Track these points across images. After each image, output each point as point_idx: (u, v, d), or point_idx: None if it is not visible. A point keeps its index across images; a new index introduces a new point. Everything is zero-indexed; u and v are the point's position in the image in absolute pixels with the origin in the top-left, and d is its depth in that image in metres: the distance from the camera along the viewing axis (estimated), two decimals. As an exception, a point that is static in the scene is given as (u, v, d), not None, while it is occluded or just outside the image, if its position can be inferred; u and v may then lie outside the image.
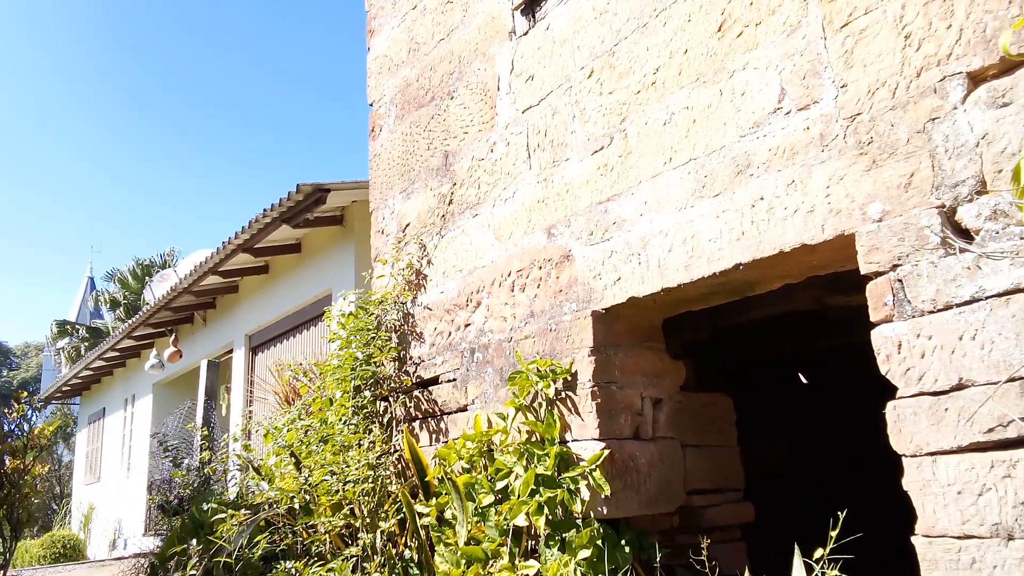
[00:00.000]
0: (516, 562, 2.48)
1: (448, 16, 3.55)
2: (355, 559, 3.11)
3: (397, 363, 3.53)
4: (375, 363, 3.49)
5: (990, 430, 1.54)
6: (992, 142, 1.61)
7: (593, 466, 2.39)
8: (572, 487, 2.44)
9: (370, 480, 3.16)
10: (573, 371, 2.57)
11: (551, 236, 2.80)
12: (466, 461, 2.82)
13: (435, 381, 3.33)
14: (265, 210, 6.36)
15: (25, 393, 6.50)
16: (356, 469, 3.16)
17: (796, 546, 1.89)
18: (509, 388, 2.69)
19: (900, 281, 1.74)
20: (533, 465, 2.51)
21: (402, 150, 3.79)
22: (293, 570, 3.20)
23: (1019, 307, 1.52)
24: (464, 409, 3.10)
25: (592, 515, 2.42)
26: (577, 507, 2.41)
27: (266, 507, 3.53)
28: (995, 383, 1.54)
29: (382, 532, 3.08)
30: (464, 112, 3.36)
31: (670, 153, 2.38)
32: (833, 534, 1.78)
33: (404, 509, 2.99)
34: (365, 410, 3.49)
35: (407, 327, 3.55)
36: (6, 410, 6.30)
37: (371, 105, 4.13)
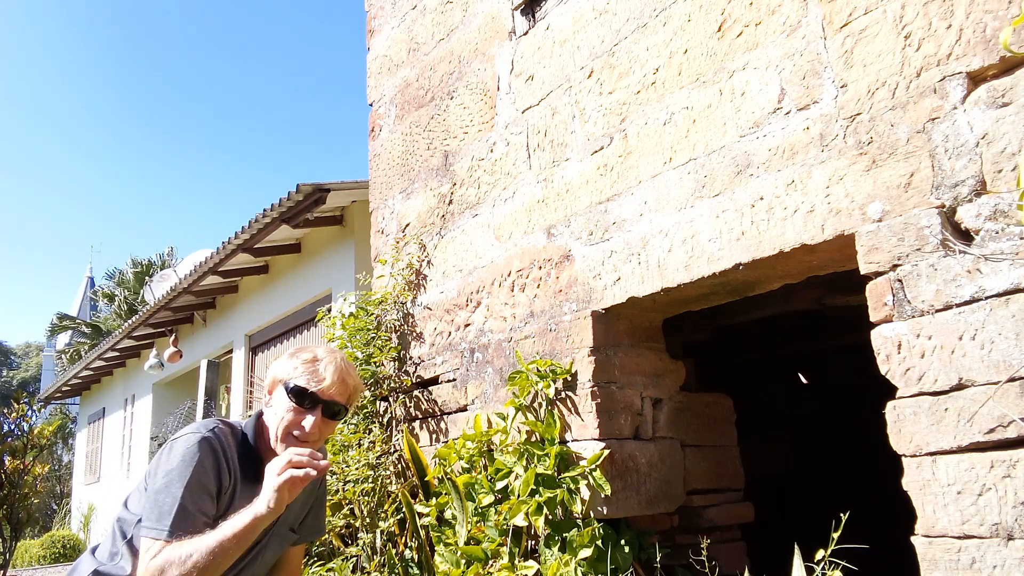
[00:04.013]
0: (516, 562, 2.48)
1: (448, 16, 3.55)
2: (355, 559, 3.11)
3: (397, 363, 3.53)
4: (375, 363, 3.49)
5: (990, 430, 1.54)
6: (992, 142, 1.61)
7: (593, 466, 2.39)
8: (572, 487, 2.44)
9: (370, 480, 3.16)
10: (573, 371, 2.57)
11: (551, 236, 2.80)
12: (466, 461, 2.82)
13: (435, 381, 3.33)
14: (265, 210, 6.36)
15: (25, 393, 6.50)
16: (356, 469, 3.17)
17: (796, 546, 1.89)
18: (509, 388, 2.69)
19: (900, 281, 1.74)
20: (533, 465, 2.51)
21: (402, 150, 3.79)
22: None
23: (1019, 307, 1.52)
24: (464, 409, 3.10)
25: (592, 515, 2.42)
26: (577, 507, 2.41)
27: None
28: (995, 383, 1.54)
29: (382, 532, 3.08)
30: (464, 112, 3.36)
31: (670, 153, 2.38)
32: (835, 535, 1.78)
33: (404, 509, 2.99)
34: (365, 410, 3.49)
35: (407, 327, 3.55)
36: (6, 410, 6.31)
37: (371, 105, 4.13)
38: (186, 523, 1.53)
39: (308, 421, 1.70)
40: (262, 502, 1.53)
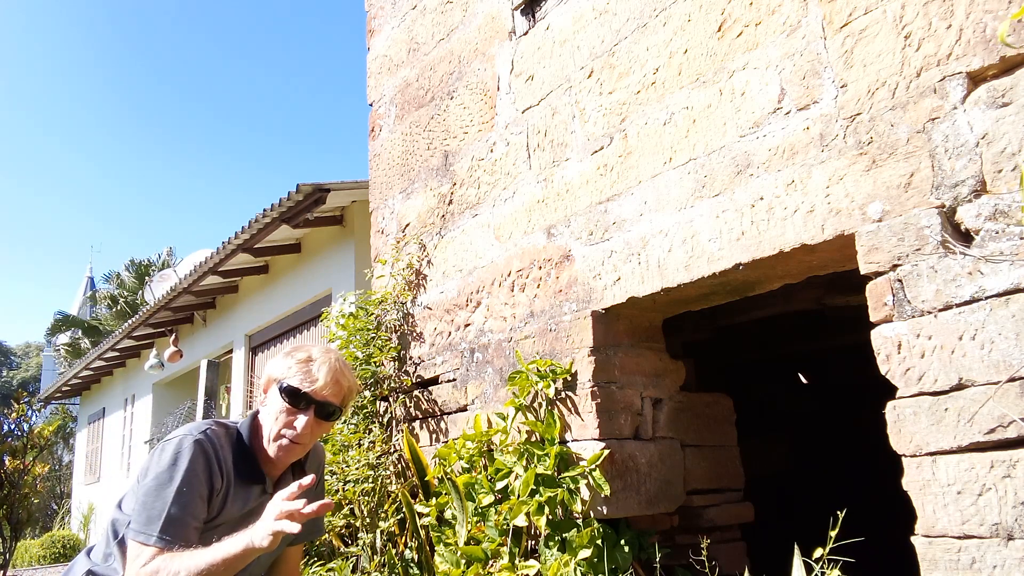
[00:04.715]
0: (516, 562, 2.48)
1: (448, 16, 3.55)
2: (355, 559, 3.11)
3: (397, 363, 3.53)
4: (375, 363, 3.49)
5: (990, 430, 1.54)
6: (992, 142, 1.61)
7: (593, 466, 2.39)
8: (572, 487, 2.44)
9: (370, 480, 3.16)
10: (573, 371, 2.57)
11: (551, 236, 2.80)
12: (466, 461, 2.82)
13: (435, 381, 3.33)
14: (265, 210, 6.36)
15: (25, 393, 6.50)
16: (356, 469, 3.17)
17: (796, 546, 1.89)
18: (509, 388, 2.69)
19: (900, 281, 1.74)
20: (533, 465, 2.51)
21: (402, 150, 3.79)
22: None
23: (1019, 307, 1.52)
24: (464, 409, 3.10)
25: (592, 515, 2.42)
26: (577, 507, 2.41)
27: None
28: (995, 383, 1.54)
29: (382, 532, 3.08)
30: (464, 112, 3.36)
31: (670, 153, 2.38)
32: (832, 534, 1.78)
33: (404, 509, 2.99)
34: (365, 410, 3.49)
35: (407, 327, 3.55)
36: (6, 410, 6.31)
37: (371, 105, 4.13)
38: (174, 529, 1.52)
39: (300, 422, 1.68)
40: (260, 536, 1.48)
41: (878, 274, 1.80)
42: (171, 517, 1.52)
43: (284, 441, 1.69)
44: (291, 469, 1.80)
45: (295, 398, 1.69)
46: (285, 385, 1.69)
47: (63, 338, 19.40)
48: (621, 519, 2.51)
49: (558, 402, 2.61)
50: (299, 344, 1.86)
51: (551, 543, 2.43)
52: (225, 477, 1.65)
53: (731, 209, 2.15)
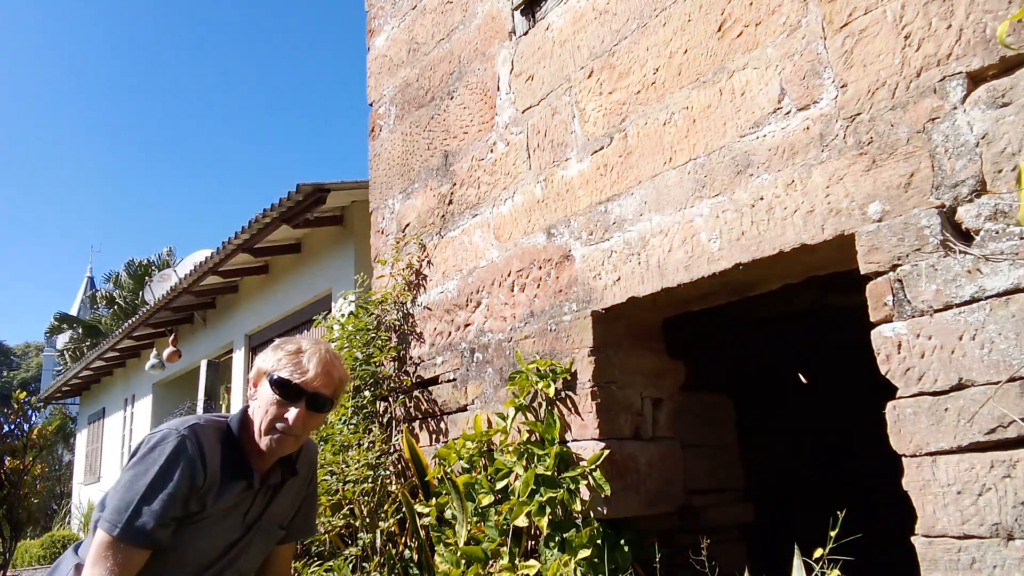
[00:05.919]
0: (516, 562, 2.48)
1: (448, 16, 3.55)
2: (355, 559, 3.11)
3: (397, 363, 3.53)
4: (375, 363, 3.49)
5: (990, 430, 1.54)
6: (992, 142, 1.61)
7: (593, 466, 2.39)
8: (572, 487, 2.44)
9: (370, 480, 3.16)
10: (573, 371, 2.57)
11: (551, 236, 2.80)
12: (466, 461, 2.82)
13: (435, 381, 3.33)
14: (265, 210, 6.36)
15: (25, 393, 6.49)
16: (356, 469, 3.16)
17: (796, 546, 1.89)
18: (509, 388, 2.69)
19: (900, 281, 1.74)
20: (533, 465, 2.51)
21: (402, 150, 3.79)
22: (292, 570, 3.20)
23: (1019, 307, 1.52)
24: (464, 409, 3.10)
25: (592, 515, 2.42)
26: (577, 507, 2.41)
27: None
28: (995, 383, 1.54)
29: (382, 532, 3.08)
30: (464, 112, 3.36)
31: (670, 153, 2.38)
32: (832, 534, 1.78)
33: (404, 509, 2.99)
34: (365, 410, 3.49)
35: (407, 327, 3.55)
36: (6, 410, 6.31)
37: (371, 105, 4.13)
38: (139, 520, 1.52)
39: (291, 414, 1.66)
40: None
41: (878, 274, 1.80)
42: (135, 512, 1.52)
43: (276, 434, 1.67)
44: (281, 465, 1.78)
45: (285, 390, 1.66)
46: (275, 377, 1.67)
47: (63, 339, 19.39)
48: (621, 519, 2.51)
49: (558, 402, 2.61)
50: (289, 337, 1.84)
51: (551, 543, 2.43)
52: (209, 474, 1.62)
53: (731, 209, 2.15)
